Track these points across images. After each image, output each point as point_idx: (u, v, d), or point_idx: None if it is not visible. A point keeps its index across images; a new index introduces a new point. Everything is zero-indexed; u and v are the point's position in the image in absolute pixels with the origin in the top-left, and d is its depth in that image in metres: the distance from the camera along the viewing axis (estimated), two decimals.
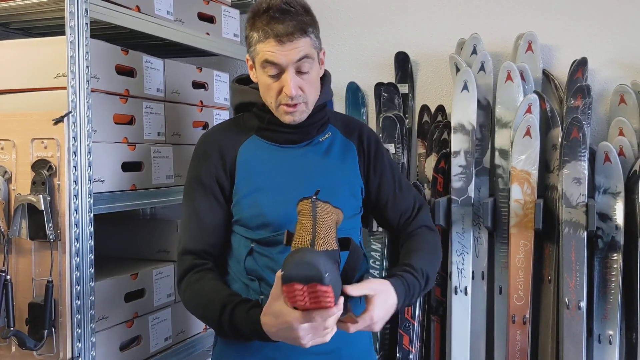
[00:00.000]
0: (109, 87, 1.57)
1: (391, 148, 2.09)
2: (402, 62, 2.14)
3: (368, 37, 2.20)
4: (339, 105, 2.24)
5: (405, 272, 1.33)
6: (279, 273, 1.11)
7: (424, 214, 1.50)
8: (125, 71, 1.64)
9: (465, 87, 1.93)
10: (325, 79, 1.48)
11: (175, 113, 1.83)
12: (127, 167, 1.62)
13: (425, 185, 2.07)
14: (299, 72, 1.34)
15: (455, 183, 1.92)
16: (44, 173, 1.42)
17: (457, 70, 1.97)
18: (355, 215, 1.45)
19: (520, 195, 1.83)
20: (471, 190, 1.91)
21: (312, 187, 1.34)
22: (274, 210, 1.38)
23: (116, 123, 1.60)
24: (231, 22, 2.09)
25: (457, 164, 1.93)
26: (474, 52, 2.00)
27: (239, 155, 1.42)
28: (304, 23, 1.31)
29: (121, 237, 1.90)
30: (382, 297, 1.24)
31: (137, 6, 1.63)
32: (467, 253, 1.90)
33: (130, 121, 1.67)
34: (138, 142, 1.67)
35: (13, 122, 1.44)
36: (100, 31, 1.68)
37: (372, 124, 2.19)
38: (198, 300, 1.32)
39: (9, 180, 1.45)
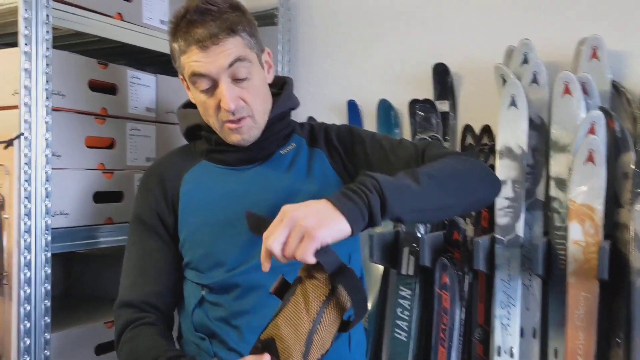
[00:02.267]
0: (79, 106, 1.37)
1: None
2: (441, 75, 1.83)
3: (402, 47, 1.91)
4: (369, 126, 1.95)
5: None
6: None
7: (433, 151, 1.17)
8: (104, 87, 1.44)
9: (513, 103, 1.60)
10: (285, 85, 1.24)
11: (169, 136, 1.60)
12: (101, 197, 1.40)
13: (468, 220, 1.75)
14: (236, 79, 1.10)
15: (501, 219, 1.59)
16: None
17: (505, 83, 1.65)
18: None
19: (581, 235, 1.47)
20: (520, 228, 1.57)
21: (269, 211, 1.08)
22: (225, 245, 1.14)
23: (89, 147, 1.39)
24: None
25: (503, 195, 1.59)
26: (525, 61, 1.66)
27: (183, 184, 1.19)
28: (230, 21, 1.08)
29: (98, 276, 1.68)
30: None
31: (119, 14, 1.43)
32: (514, 305, 1.55)
33: (110, 145, 1.45)
34: (118, 169, 1.45)
35: None
36: (85, 46, 1.50)
37: None
38: None
39: None
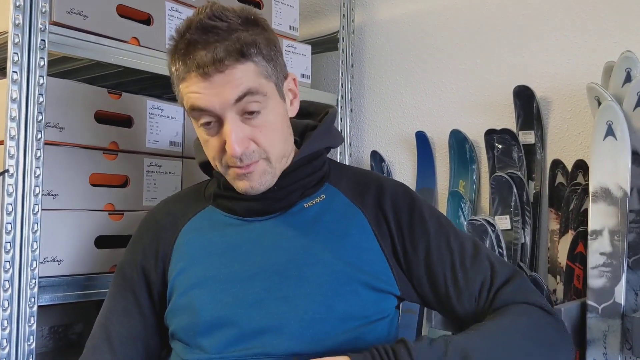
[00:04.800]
0: (82, 140, 1.23)
1: (505, 221, 1.47)
2: (525, 100, 1.52)
3: (479, 68, 1.62)
4: (442, 162, 1.67)
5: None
6: None
7: (512, 294, 0.94)
8: (117, 119, 1.29)
9: (610, 132, 1.26)
10: (326, 116, 1.00)
11: (198, 172, 1.43)
12: (106, 242, 1.25)
13: (558, 277, 1.41)
14: (245, 114, 0.87)
15: (594, 280, 1.24)
16: None
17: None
18: (374, 320, 0.93)
19: None
20: (620, 294, 1.21)
21: (276, 278, 0.90)
22: (217, 314, 0.91)
23: (94, 185, 1.24)
24: (297, 59, 1.67)
25: (598, 250, 1.24)
26: (628, 79, 1.32)
27: (181, 236, 0.99)
28: (241, 41, 0.85)
29: None
30: None
31: (135, 38, 1.29)
32: None
33: (124, 183, 1.30)
34: (131, 210, 1.30)
35: None
36: (118, 77, 1.39)
37: (486, 187, 1.59)
38: None
39: None
